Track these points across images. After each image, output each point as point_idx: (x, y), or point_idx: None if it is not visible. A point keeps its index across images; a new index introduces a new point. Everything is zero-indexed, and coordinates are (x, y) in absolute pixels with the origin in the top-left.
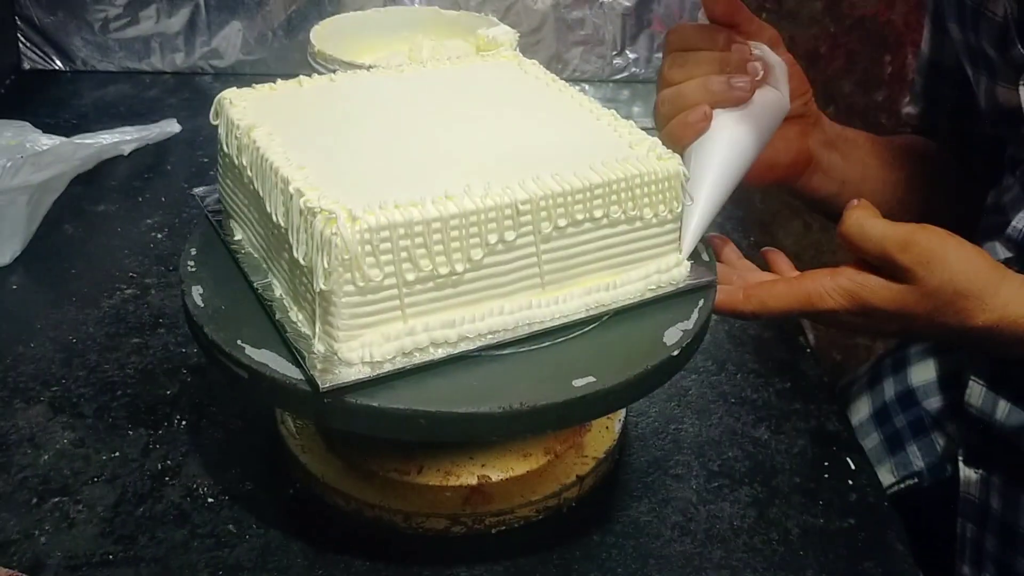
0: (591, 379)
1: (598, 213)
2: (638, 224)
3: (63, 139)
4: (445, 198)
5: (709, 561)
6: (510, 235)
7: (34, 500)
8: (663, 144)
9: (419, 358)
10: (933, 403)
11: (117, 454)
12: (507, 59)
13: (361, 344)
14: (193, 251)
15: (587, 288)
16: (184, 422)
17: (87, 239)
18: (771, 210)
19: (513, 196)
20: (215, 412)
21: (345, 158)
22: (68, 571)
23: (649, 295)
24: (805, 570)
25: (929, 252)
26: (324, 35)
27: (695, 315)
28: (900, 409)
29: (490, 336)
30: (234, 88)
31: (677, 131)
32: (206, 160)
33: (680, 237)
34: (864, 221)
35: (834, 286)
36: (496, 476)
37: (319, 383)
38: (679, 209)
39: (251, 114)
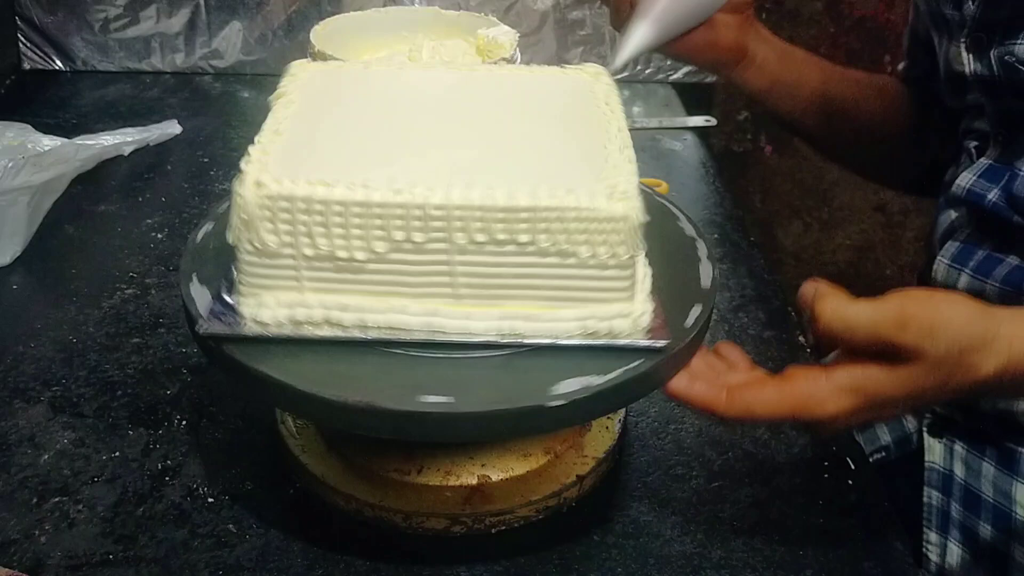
0: (444, 399)
1: (523, 238)
2: (571, 260)
3: (64, 140)
4: (361, 185)
5: (709, 561)
6: (418, 236)
7: (34, 500)
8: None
9: (307, 332)
10: None
11: (117, 454)
12: (588, 75)
13: (256, 303)
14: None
15: (504, 312)
16: (184, 422)
17: (87, 239)
18: (771, 210)
19: (426, 199)
20: (215, 412)
21: (324, 136)
22: (68, 571)
23: (576, 340)
24: (805, 570)
25: (929, 321)
26: (324, 35)
27: (614, 374)
28: None
29: (387, 331)
30: (304, 61)
31: None
32: (206, 160)
33: (616, 50)
34: (843, 310)
35: (833, 388)
36: (496, 476)
37: (199, 326)
38: (625, 257)
39: (298, 84)
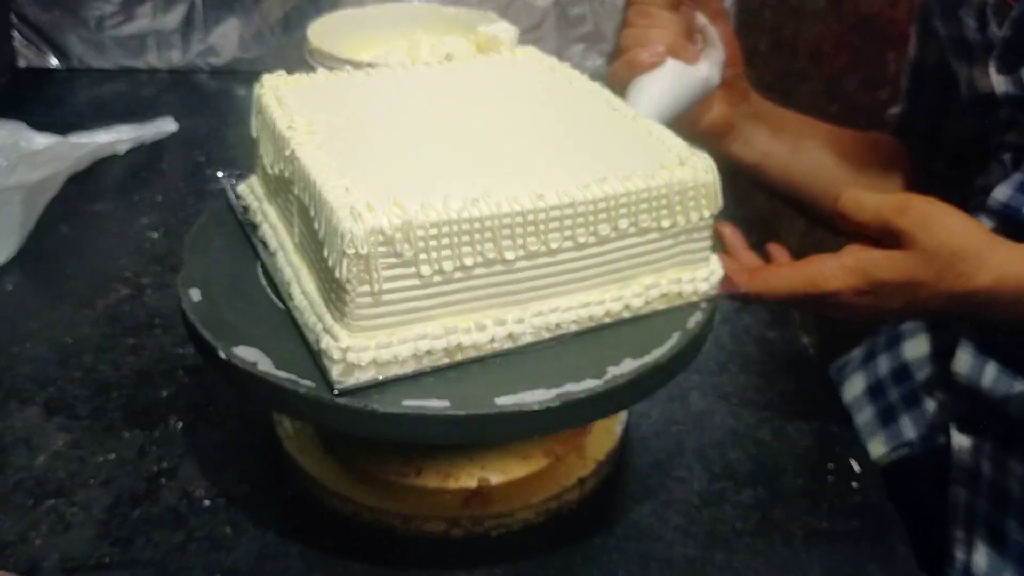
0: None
1: (623, 224)
2: (667, 230)
3: (58, 138)
4: (469, 201)
5: (711, 564)
6: (533, 244)
7: (29, 502)
8: (616, 74)
9: (432, 362)
10: (925, 374)
11: (113, 456)
12: (526, 56)
13: (376, 344)
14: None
15: (609, 294)
16: (180, 424)
17: (82, 239)
18: (774, 209)
19: (535, 204)
20: (212, 413)
21: (373, 152)
22: (64, 574)
23: (675, 301)
24: (808, 573)
25: (925, 214)
26: (321, 32)
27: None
28: (894, 383)
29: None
30: (273, 74)
31: (635, 58)
32: (203, 159)
33: None
34: (858, 194)
35: (839, 265)
36: (496, 479)
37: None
38: (711, 214)
39: (294, 102)
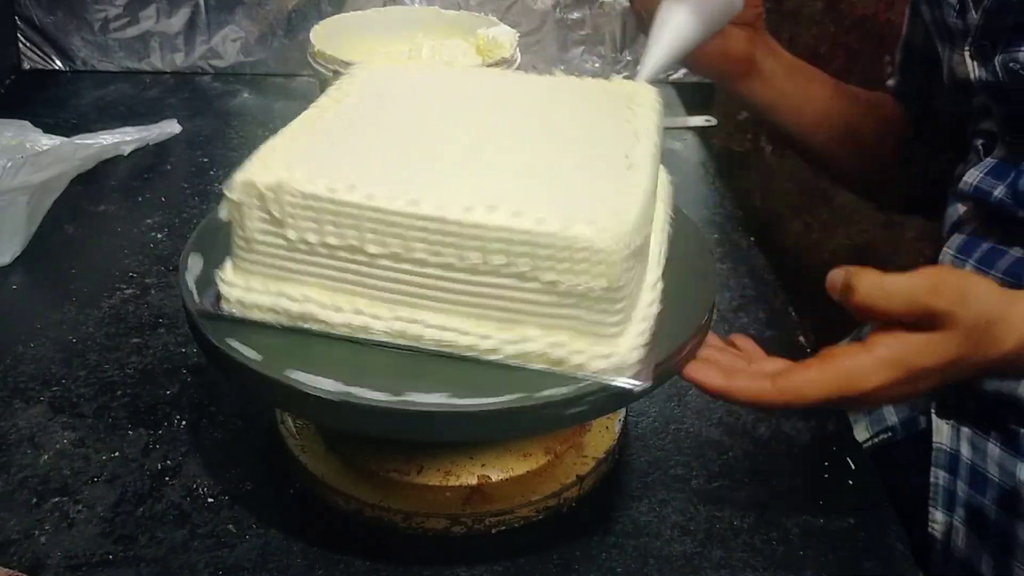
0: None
1: (496, 260)
2: (547, 287)
3: (63, 139)
4: (370, 190)
5: (709, 561)
6: (416, 247)
7: (34, 500)
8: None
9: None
10: None
11: (117, 454)
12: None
13: (246, 286)
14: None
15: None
16: (184, 422)
17: (87, 239)
18: (772, 210)
19: (414, 210)
20: (215, 412)
21: (357, 136)
22: (68, 571)
23: (560, 367)
24: (805, 570)
25: (962, 288)
26: (324, 35)
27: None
28: None
29: (357, 331)
30: (244, 168)
31: None
32: (206, 160)
33: (640, 68)
34: (880, 280)
35: (875, 361)
36: (496, 476)
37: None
38: (603, 289)
39: (362, 82)
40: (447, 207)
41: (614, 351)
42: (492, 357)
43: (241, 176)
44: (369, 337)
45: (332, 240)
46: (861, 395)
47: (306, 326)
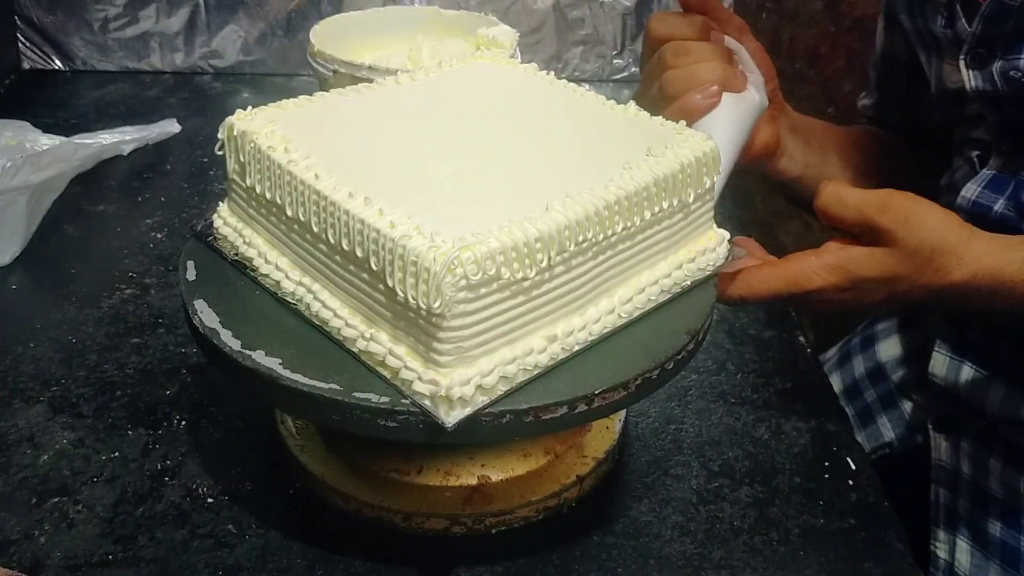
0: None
1: (664, 204)
2: (684, 207)
3: (63, 139)
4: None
5: (709, 561)
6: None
7: (34, 500)
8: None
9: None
10: (901, 375)
11: (117, 454)
12: (500, 61)
13: (476, 372)
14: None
15: (644, 281)
16: (184, 422)
17: (87, 239)
18: (772, 210)
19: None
20: (215, 412)
21: (401, 178)
22: (68, 571)
23: (698, 275)
24: (805, 570)
25: (906, 211)
26: (324, 35)
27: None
28: (870, 384)
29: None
30: (239, 111)
31: (690, 105)
32: (206, 160)
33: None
34: (840, 190)
35: (820, 264)
36: (496, 476)
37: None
38: (710, 183)
39: (275, 138)
40: (352, 197)
41: (438, 380)
42: (352, 347)
43: (230, 118)
44: (278, 293)
45: (268, 195)
46: (807, 294)
47: (247, 271)
